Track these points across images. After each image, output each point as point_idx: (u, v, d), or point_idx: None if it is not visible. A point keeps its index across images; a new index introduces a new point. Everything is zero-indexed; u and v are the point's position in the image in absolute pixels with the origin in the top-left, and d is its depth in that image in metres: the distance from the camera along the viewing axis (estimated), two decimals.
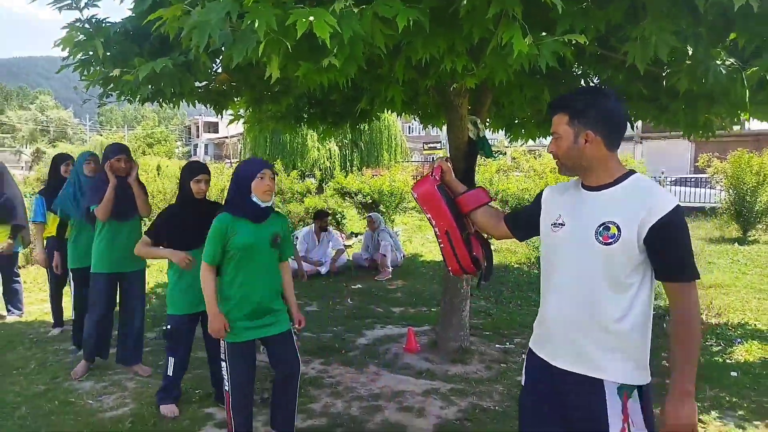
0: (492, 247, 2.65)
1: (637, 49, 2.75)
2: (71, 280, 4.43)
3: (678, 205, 1.57)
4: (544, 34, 2.61)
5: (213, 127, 52.86)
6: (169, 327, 3.38)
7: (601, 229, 1.61)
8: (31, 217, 5.22)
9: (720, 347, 4.77)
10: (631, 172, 1.70)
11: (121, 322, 4.08)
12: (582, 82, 4.62)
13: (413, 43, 2.80)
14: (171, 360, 3.43)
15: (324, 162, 21.02)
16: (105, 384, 3.87)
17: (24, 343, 4.77)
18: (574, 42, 2.54)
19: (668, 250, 1.58)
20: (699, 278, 1.62)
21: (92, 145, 32.42)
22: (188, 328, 3.44)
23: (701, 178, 17.20)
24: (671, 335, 1.61)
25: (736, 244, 10.47)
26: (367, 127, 20.72)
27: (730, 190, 11.77)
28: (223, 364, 2.80)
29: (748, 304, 6.29)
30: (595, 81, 4.65)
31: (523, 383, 1.90)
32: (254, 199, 2.72)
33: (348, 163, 21.47)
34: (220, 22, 2.26)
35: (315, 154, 21.01)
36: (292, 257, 3.50)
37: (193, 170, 3.42)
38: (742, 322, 5.52)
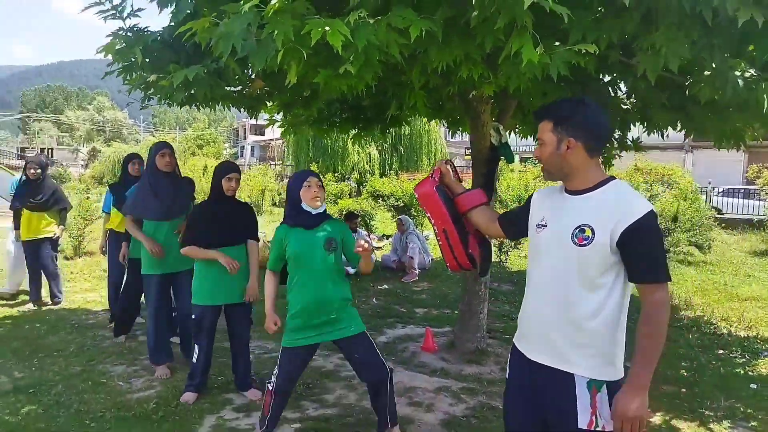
0: (493, 247, 2.75)
1: (648, 60, 2.80)
2: (126, 269, 4.72)
3: (651, 211, 1.65)
4: (557, 43, 2.71)
5: (259, 130, 54.08)
6: (194, 316, 3.58)
7: (576, 231, 1.71)
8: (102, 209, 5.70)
9: (744, 359, 4.69)
10: (611, 178, 1.77)
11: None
12: (609, 89, 4.65)
13: (428, 51, 2.92)
14: (196, 348, 3.62)
15: (363, 165, 21.28)
16: (136, 368, 4.14)
17: (66, 328, 5.12)
18: (586, 51, 2.61)
19: (640, 252, 1.65)
20: (670, 281, 1.68)
21: (145, 146, 33.64)
22: (210, 318, 3.59)
23: (751, 189, 16.62)
24: (637, 331, 1.68)
25: None
26: (407, 131, 20.91)
27: None
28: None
29: None
30: (622, 89, 4.67)
31: (507, 377, 2.01)
32: (304, 206, 2.90)
33: (387, 167, 21.67)
34: (242, 32, 2.44)
35: (355, 157, 21.29)
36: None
37: (225, 169, 3.63)
38: None
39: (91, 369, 4.11)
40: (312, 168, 14.09)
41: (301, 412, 3.47)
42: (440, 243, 2.37)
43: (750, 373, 4.37)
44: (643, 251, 1.65)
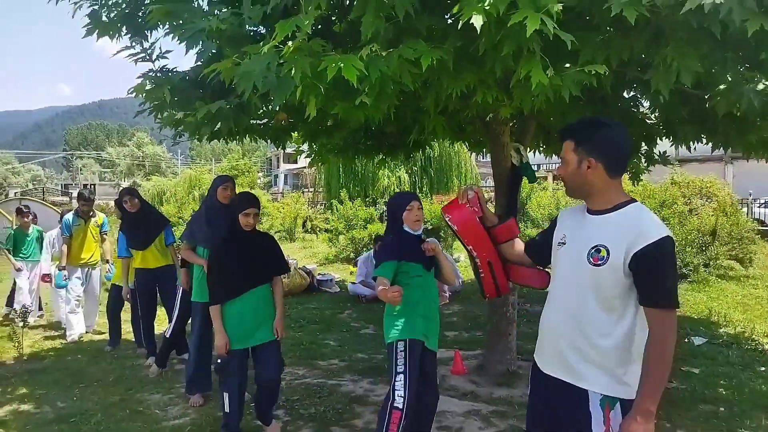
0: None
1: (660, 75, 2.82)
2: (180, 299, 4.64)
3: (667, 237, 1.66)
4: (567, 65, 2.76)
5: (292, 158, 54.98)
6: (219, 361, 3.28)
7: (593, 251, 1.74)
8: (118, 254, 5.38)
9: None
10: (632, 200, 1.80)
11: None
12: (631, 105, 4.64)
13: (441, 79, 3.01)
14: (225, 396, 3.30)
15: (394, 189, 21.39)
16: (172, 396, 4.26)
17: (105, 359, 5.30)
18: (595, 72, 2.64)
19: (649, 277, 1.67)
20: (677, 307, 1.69)
21: (183, 179, 34.59)
22: (239, 362, 3.32)
23: None
24: (644, 357, 1.69)
25: None
26: (436, 153, 20.98)
27: None
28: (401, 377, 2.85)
29: None
30: (644, 104, 4.66)
31: (529, 392, 2.05)
32: (406, 228, 3.01)
33: (417, 190, 21.73)
34: (262, 71, 2.57)
35: (386, 181, 21.44)
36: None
37: (241, 203, 3.36)
38: None
39: (129, 398, 4.24)
40: (342, 193, 14.23)
41: None
42: (482, 273, 2.38)
43: None
44: (652, 276, 1.66)
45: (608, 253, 1.70)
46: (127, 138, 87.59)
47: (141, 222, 4.97)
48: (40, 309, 7.42)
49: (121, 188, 5.83)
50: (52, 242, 7.01)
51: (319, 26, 3.58)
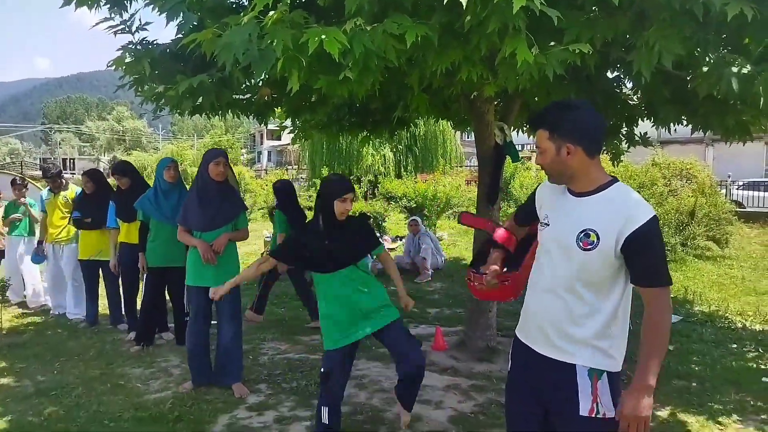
0: None
1: (642, 57, 2.83)
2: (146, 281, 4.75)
3: (654, 216, 1.69)
4: (552, 43, 2.76)
5: (276, 135, 54.46)
6: (323, 369, 2.95)
7: (582, 235, 1.74)
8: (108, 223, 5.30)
9: (757, 353, 4.67)
10: (614, 180, 1.80)
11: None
12: (614, 85, 4.67)
13: (425, 56, 2.99)
14: (324, 411, 2.94)
15: (378, 167, 21.35)
16: (153, 370, 4.27)
17: (86, 333, 5.29)
18: (579, 51, 2.65)
19: (643, 258, 1.69)
20: (671, 284, 1.73)
21: (165, 153, 34.19)
22: (339, 367, 2.96)
23: None
24: (642, 333, 1.72)
25: None
26: (421, 131, 20.91)
27: None
28: None
29: None
30: (627, 85, 4.68)
31: (509, 368, 2.04)
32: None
33: (402, 168, 21.71)
34: (243, 42, 2.54)
35: (370, 159, 21.37)
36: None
37: (340, 189, 2.96)
38: None
39: (110, 372, 4.24)
40: (324, 171, 14.17)
41: (312, 410, 3.53)
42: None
43: (762, 367, 4.36)
44: (647, 257, 1.69)
45: (598, 238, 1.71)
46: (107, 112, 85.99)
47: (131, 197, 4.82)
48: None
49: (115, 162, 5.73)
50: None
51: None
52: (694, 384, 3.99)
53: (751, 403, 3.66)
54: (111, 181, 6.35)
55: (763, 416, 3.47)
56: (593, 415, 1.73)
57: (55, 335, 5.29)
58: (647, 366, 1.69)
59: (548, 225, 1.89)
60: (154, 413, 3.49)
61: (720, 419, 3.43)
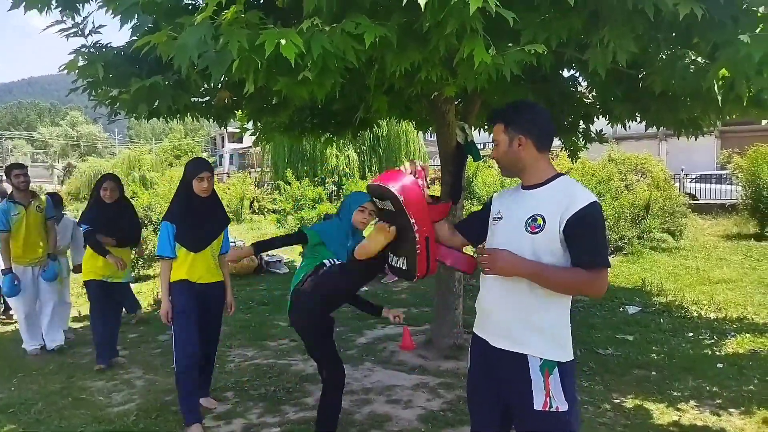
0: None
1: (597, 55, 2.91)
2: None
3: (594, 202, 1.79)
4: (510, 45, 2.80)
5: (237, 138, 53.71)
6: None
7: (529, 220, 1.84)
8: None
9: (712, 341, 4.85)
10: (560, 174, 1.93)
11: None
12: (570, 84, 4.77)
13: (384, 56, 3.00)
14: None
15: (343, 168, 21.30)
16: (116, 382, 4.16)
17: (43, 347, 5.08)
18: (535, 51, 2.70)
19: (581, 239, 1.78)
20: (609, 266, 1.81)
21: (121, 159, 33.28)
22: None
23: (723, 174, 16.98)
24: (575, 273, 1.78)
25: (752, 240, 10.38)
26: (384, 132, 20.94)
27: (747, 186, 11.66)
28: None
29: (751, 298, 6.32)
30: (582, 84, 4.80)
31: (468, 366, 2.08)
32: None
33: (367, 169, 21.71)
34: (198, 44, 2.49)
35: (334, 161, 21.31)
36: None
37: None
38: (741, 316, 5.58)
39: (70, 386, 4.11)
40: (288, 173, 14.04)
41: (282, 416, 3.52)
42: (418, 251, 2.23)
43: (717, 354, 4.53)
44: (584, 238, 1.77)
45: (544, 221, 1.80)
46: (60, 117, 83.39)
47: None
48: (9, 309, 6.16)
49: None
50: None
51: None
52: (653, 373, 4.12)
53: (707, 388, 3.80)
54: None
55: (718, 401, 3.61)
56: (547, 409, 1.79)
57: (14, 349, 5.09)
58: (544, 271, 1.78)
59: (501, 218, 1.98)
60: (117, 426, 3.41)
61: (679, 405, 3.55)
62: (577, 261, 1.78)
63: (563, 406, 1.79)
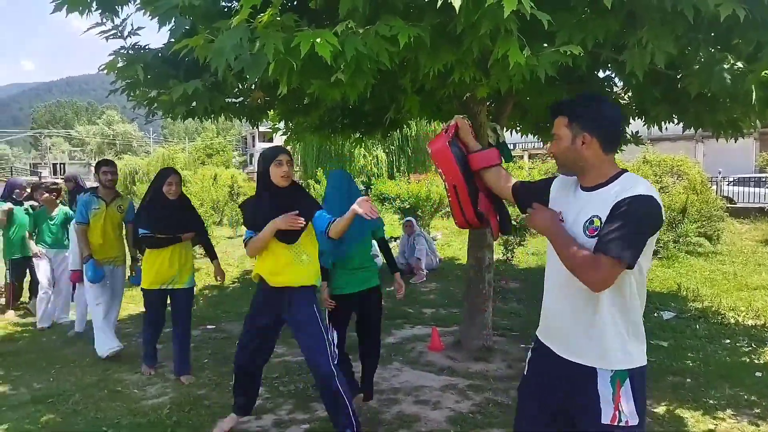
0: (498, 245, 2.67)
1: (635, 57, 2.86)
2: None
3: (651, 197, 1.63)
4: (545, 45, 2.78)
5: (267, 137, 54.33)
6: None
7: (587, 223, 1.72)
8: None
9: (750, 348, 4.72)
10: (623, 171, 1.77)
11: None
12: (605, 85, 4.70)
13: (418, 57, 3.00)
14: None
15: (371, 168, 21.37)
16: (150, 376, 4.25)
17: (81, 340, 5.25)
18: (570, 53, 2.67)
19: (613, 224, 1.62)
20: (619, 262, 1.60)
21: (155, 157, 34.02)
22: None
23: (762, 177, 16.47)
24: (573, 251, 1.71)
25: None
26: (413, 132, 20.92)
27: None
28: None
29: None
30: (618, 84, 4.72)
31: (525, 372, 2.00)
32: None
33: (395, 169, 21.74)
34: (234, 47, 2.54)
35: (362, 160, 21.39)
36: None
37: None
38: None
39: (106, 378, 4.23)
40: (319, 172, 14.16)
41: (311, 414, 3.55)
42: (450, 199, 2.35)
43: (756, 362, 4.40)
44: (613, 221, 1.62)
45: (601, 221, 1.67)
46: (97, 116, 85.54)
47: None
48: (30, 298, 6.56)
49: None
50: None
51: (294, 2, 3.54)
52: (688, 380, 4.02)
53: (745, 397, 3.70)
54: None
55: (756, 410, 3.51)
56: (615, 423, 1.68)
57: (49, 342, 5.26)
58: (562, 234, 1.75)
59: (563, 222, 1.84)
60: (152, 419, 3.48)
61: (715, 414, 3.47)
62: (598, 244, 1.64)
63: (633, 420, 1.69)
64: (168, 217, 4.06)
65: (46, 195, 5.99)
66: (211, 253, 4.54)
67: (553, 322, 1.86)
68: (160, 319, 4.34)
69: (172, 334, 4.23)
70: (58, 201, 6.12)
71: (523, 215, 2.11)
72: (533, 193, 2.04)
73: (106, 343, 4.63)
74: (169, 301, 4.27)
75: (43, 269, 5.94)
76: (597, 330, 1.72)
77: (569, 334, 1.78)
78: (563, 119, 1.81)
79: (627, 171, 1.78)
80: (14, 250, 6.27)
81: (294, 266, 3.02)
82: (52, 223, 5.99)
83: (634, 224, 1.62)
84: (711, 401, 3.65)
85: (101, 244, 4.68)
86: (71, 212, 5.83)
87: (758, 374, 4.09)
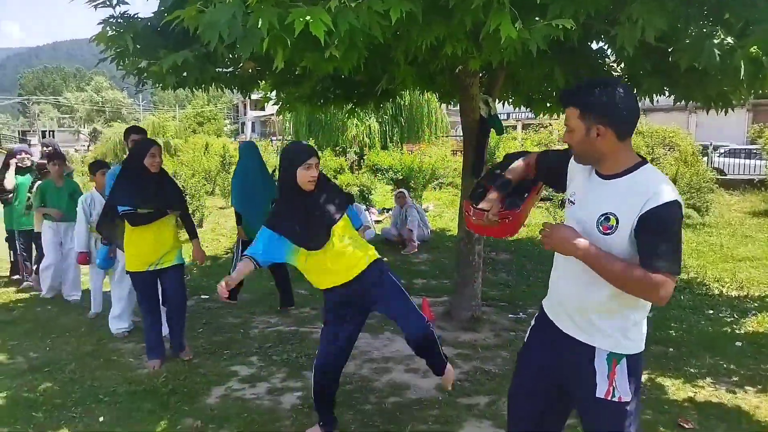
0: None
1: (625, 32, 2.87)
2: None
3: (675, 201, 1.63)
4: (537, 18, 2.78)
5: (259, 105, 53.73)
6: None
7: (602, 219, 1.71)
8: None
9: (732, 319, 4.85)
10: (642, 162, 1.75)
11: None
12: (597, 56, 4.70)
13: (410, 31, 3.00)
14: None
15: (363, 138, 21.24)
16: (145, 345, 4.31)
17: (77, 309, 5.31)
18: (562, 26, 2.68)
19: (652, 239, 1.63)
20: (678, 274, 1.65)
21: (145, 125, 33.63)
22: None
23: (752, 149, 16.55)
24: (630, 264, 1.66)
25: None
26: (406, 101, 20.75)
27: None
28: None
29: None
30: (611, 57, 4.71)
31: (526, 340, 2.06)
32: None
33: (388, 139, 21.61)
34: (228, 21, 2.53)
35: (355, 130, 21.25)
36: None
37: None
38: (764, 294, 5.54)
39: (102, 347, 4.30)
40: (311, 143, 14.13)
41: (304, 381, 3.64)
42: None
43: (737, 332, 4.54)
44: (655, 237, 1.63)
45: (617, 222, 1.68)
46: (85, 82, 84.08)
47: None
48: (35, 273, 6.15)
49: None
50: (89, 205, 4.72)
51: None
52: (671, 349, 4.15)
53: (724, 366, 3.83)
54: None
55: (734, 378, 3.64)
56: (609, 398, 1.76)
57: (45, 312, 5.31)
58: (601, 258, 1.66)
59: (573, 204, 1.85)
60: (148, 387, 3.56)
61: (695, 382, 3.59)
62: (642, 261, 1.64)
63: (626, 397, 1.76)
64: (151, 191, 3.71)
65: (60, 167, 5.59)
66: (191, 231, 4.18)
67: (561, 301, 1.90)
68: (155, 304, 3.98)
69: (166, 315, 4.09)
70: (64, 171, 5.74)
71: (536, 180, 2.12)
72: (555, 168, 2.02)
73: (117, 322, 4.55)
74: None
75: (49, 239, 5.61)
76: (607, 318, 1.77)
77: (576, 316, 1.83)
78: (574, 110, 1.75)
79: (645, 162, 1.76)
80: (22, 221, 6.10)
81: (344, 258, 2.81)
82: (59, 195, 5.56)
83: (675, 235, 1.65)
84: (692, 370, 3.78)
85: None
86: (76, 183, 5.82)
87: (738, 344, 4.22)
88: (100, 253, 4.42)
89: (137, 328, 4.55)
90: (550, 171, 2.08)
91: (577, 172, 1.91)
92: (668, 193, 1.64)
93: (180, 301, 4.04)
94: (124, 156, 4.41)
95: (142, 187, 3.70)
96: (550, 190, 5.79)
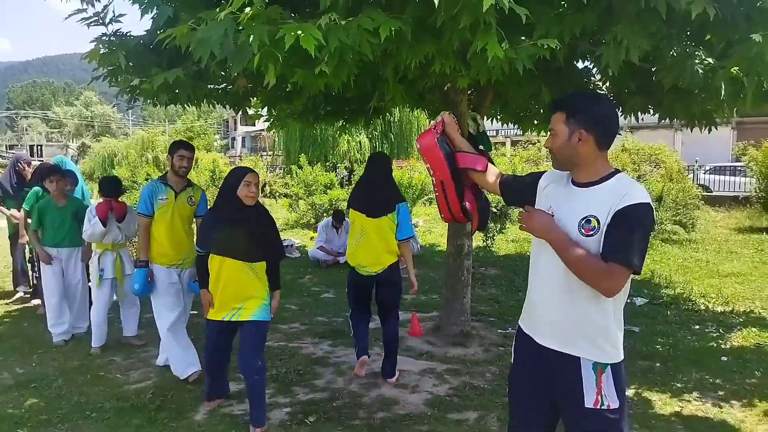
0: (490, 203, 2.77)
1: (610, 52, 2.94)
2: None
3: (648, 204, 1.72)
4: (523, 38, 2.85)
5: (250, 121, 53.70)
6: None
7: (583, 222, 1.78)
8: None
9: (718, 334, 4.90)
10: (616, 171, 1.84)
11: None
12: (583, 75, 4.79)
13: (399, 49, 3.05)
14: None
15: (354, 154, 21.35)
16: (132, 360, 4.30)
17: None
18: (548, 46, 2.75)
19: (616, 231, 1.71)
20: (631, 269, 1.70)
21: (135, 140, 33.53)
22: None
23: (737, 166, 16.82)
24: (591, 255, 1.75)
25: (764, 233, 10.34)
26: (396, 118, 20.90)
27: (761, 179, 11.58)
28: None
29: (760, 292, 6.34)
30: (597, 76, 4.81)
31: (512, 360, 2.08)
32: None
33: None
34: (219, 38, 2.57)
35: (345, 146, 21.36)
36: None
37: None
38: (749, 310, 5.61)
39: (89, 363, 4.26)
40: (302, 158, 14.14)
41: (292, 397, 3.63)
42: (437, 194, 2.45)
43: (722, 347, 4.59)
44: (619, 231, 1.70)
45: (598, 223, 1.74)
46: (75, 97, 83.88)
47: None
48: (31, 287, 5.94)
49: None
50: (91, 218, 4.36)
51: None
52: (657, 364, 4.18)
53: (710, 380, 3.87)
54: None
55: (720, 392, 3.67)
56: (598, 407, 1.78)
57: (32, 327, 5.25)
58: (562, 239, 1.78)
59: (552, 216, 1.90)
60: (135, 403, 3.54)
61: (681, 397, 3.62)
62: (602, 251, 1.72)
63: (615, 403, 1.78)
64: (242, 232, 3.11)
65: (59, 182, 4.74)
66: (275, 281, 3.33)
67: (543, 314, 1.92)
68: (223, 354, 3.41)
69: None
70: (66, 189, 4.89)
71: (506, 205, 2.21)
72: (520, 190, 2.14)
73: (183, 363, 3.87)
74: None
75: (49, 278, 4.75)
76: (590, 325, 1.80)
77: (559, 325, 1.85)
78: (561, 115, 1.86)
79: (620, 171, 1.85)
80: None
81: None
82: (61, 216, 4.74)
83: (640, 232, 1.72)
84: (678, 384, 3.81)
85: (167, 241, 3.88)
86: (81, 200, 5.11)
87: (724, 359, 4.26)
88: (138, 277, 3.90)
89: (121, 344, 4.52)
90: (515, 194, 2.22)
91: (550, 188, 1.98)
92: (640, 195, 1.73)
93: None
94: (111, 171, 4.43)
95: (230, 225, 3.13)
96: None
